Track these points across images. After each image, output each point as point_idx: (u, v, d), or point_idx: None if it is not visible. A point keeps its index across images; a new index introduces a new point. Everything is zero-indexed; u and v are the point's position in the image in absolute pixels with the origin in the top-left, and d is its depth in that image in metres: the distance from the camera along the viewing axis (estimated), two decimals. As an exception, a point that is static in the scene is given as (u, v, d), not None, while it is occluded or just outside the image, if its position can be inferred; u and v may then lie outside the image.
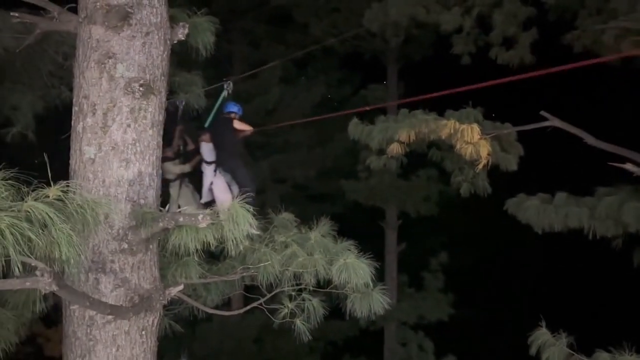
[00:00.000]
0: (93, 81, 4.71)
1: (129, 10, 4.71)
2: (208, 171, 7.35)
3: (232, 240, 4.44)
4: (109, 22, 4.67)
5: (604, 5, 8.43)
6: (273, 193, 14.23)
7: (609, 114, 14.63)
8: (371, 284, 5.19)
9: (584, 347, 5.87)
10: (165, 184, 7.19)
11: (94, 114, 4.70)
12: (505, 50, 9.69)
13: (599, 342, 5.79)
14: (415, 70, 15.63)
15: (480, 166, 7.64)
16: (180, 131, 7.44)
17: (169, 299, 4.92)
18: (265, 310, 5.38)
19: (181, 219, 4.45)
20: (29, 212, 3.14)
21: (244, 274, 5.39)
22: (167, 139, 6.01)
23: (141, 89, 4.71)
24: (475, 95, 7.65)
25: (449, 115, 7.87)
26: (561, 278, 18.58)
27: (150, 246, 4.81)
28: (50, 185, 3.35)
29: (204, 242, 4.52)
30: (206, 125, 7.62)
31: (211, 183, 7.28)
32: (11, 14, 4.97)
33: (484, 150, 7.35)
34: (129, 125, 4.72)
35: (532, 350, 6.01)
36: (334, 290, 5.34)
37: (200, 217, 4.36)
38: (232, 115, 7.44)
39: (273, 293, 5.41)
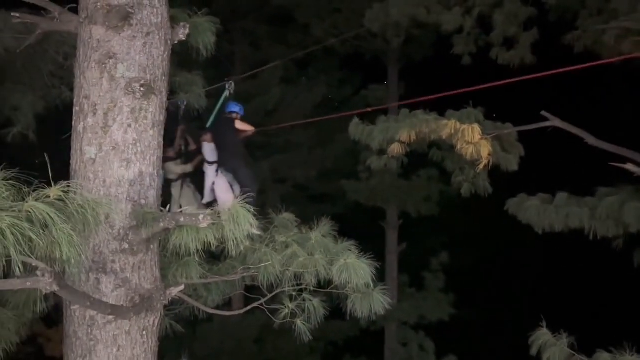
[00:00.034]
0: (94, 81, 4.72)
1: (130, 10, 4.71)
2: (210, 171, 7.35)
3: (233, 241, 4.44)
4: (110, 23, 4.67)
5: (605, 5, 8.42)
6: (274, 193, 14.22)
7: (610, 114, 14.62)
8: (372, 284, 5.18)
9: (584, 348, 5.87)
10: (167, 184, 7.22)
11: (94, 114, 4.70)
12: (506, 50, 9.69)
13: (600, 342, 5.79)
14: (416, 71, 15.62)
15: (481, 166, 7.64)
16: (182, 131, 7.45)
17: (170, 299, 4.93)
18: (266, 310, 5.38)
19: (182, 219, 4.45)
20: (29, 212, 3.15)
21: (245, 274, 5.39)
22: (168, 139, 6.02)
23: (142, 89, 4.72)
24: (476, 96, 7.66)
25: (450, 115, 7.87)
26: (562, 278, 18.57)
27: (151, 246, 4.82)
28: (51, 186, 3.35)
29: (204, 242, 4.52)
30: (208, 125, 7.62)
31: (213, 183, 7.28)
32: (12, 14, 4.98)
33: (485, 150, 7.35)
34: (129, 126, 4.73)
35: (533, 351, 6.00)
36: (335, 291, 5.34)
37: (201, 217, 4.36)
38: (234, 115, 7.44)
39: (274, 293, 5.41)
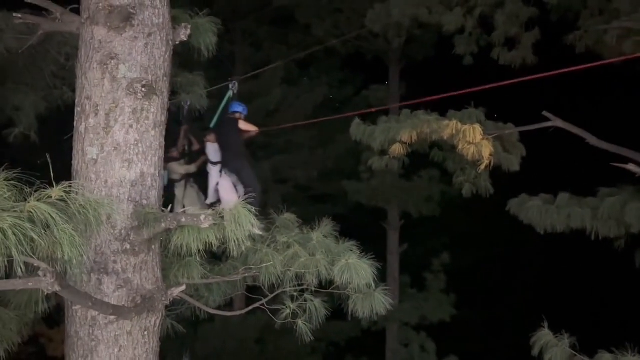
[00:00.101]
0: (95, 82, 4.72)
1: (132, 11, 4.71)
2: (214, 172, 7.34)
3: (235, 241, 4.44)
4: (112, 23, 4.68)
5: (607, 5, 8.42)
6: (275, 194, 14.23)
7: (611, 115, 14.62)
8: (373, 284, 5.18)
9: (586, 348, 5.86)
10: (170, 184, 7.23)
11: (96, 114, 4.70)
12: (508, 50, 9.68)
13: (602, 342, 5.78)
14: (417, 71, 15.63)
15: (483, 167, 7.64)
16: (185, 131, 7.46)
17: (171, 299, 4.93)
18: (267, 310, 5.38)
19: (183, 220, 4.45)
20: (31, 212, 3.15)
21: (246, 274, 5.38)
22: (172, 139, 6.02)
23: (143, 89, 4.72)
24: (477, 96, 7.66)
25: (451, 115, 7.87)
26: (563, 279, 18.56)
27: (153, 247, 4.82)
28: (53, 186, 3.35)
29: (206, 242, 4.52)
30: (211, 125, 7.61)
31: (217, 184, 7.27)
32: (14, 14, 4.98)
33: (486, 150, 7.35)
34: (131, 126, 4.73)
35: (535, 351, 6.00)
36: (336, 291, 5.34)
37: (202, 217, 4.36)
38: (237, 115, 7.42)
39: (275, 294, 5.41)
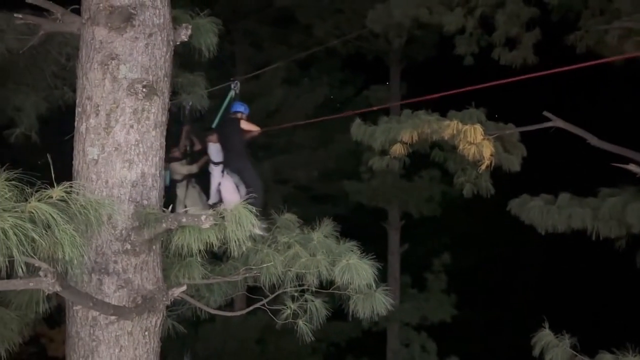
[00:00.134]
0: (96, 82, 4.72)
1: (132, 11, 4.71)
2: (216, 172, 7.34)
3: (235, 241, 4.44)
4: (112, 24, 4.68)
5: (607, 5, 8.42)
6: (275, 194, 14.23)
7: (612, 115, 14.62)
8: (374, 284, 5.17)
9: (587, 348, 5.86)
10: (172, 184, 7.23)
11: (97, 114, 4.70)
12: (508, 50, 9.68)
13: (603, 343, 5.78)
14: (418, 71, 15.63)
15: (483, 167, 7.64)
16: (187, 131, 7.46)
17: (172, 299, 4.93)
18: (267, 311, 5.37)
19: (184, 220, 4.45)
20: (32, 212, 3.15)
21: (247, 274, 5.38)
22: (173, 139, 6.02)
23: (144, 90, 4.72)
24: (478, 96, 7.66)
25: (452, 115, 7.87)
26: (564, 279, 18.55)
27: (153, 247, 4.82)
28: (54, 186, 3.35)
29: (207, 242, 4.52)
30: (213, 125, 7.61)
31: (219, 184, 7.26)
32: (15, 15, 4.98)
33: (487, 150, 7.35)
34: (132, 126, 4.73)
35: (536, 351, 5.99)
36: (337, 291, 5.33)
37: (203, 217, 4.36)
38: (239, 115, 7.42)
39: (276, 294, 5.41)
